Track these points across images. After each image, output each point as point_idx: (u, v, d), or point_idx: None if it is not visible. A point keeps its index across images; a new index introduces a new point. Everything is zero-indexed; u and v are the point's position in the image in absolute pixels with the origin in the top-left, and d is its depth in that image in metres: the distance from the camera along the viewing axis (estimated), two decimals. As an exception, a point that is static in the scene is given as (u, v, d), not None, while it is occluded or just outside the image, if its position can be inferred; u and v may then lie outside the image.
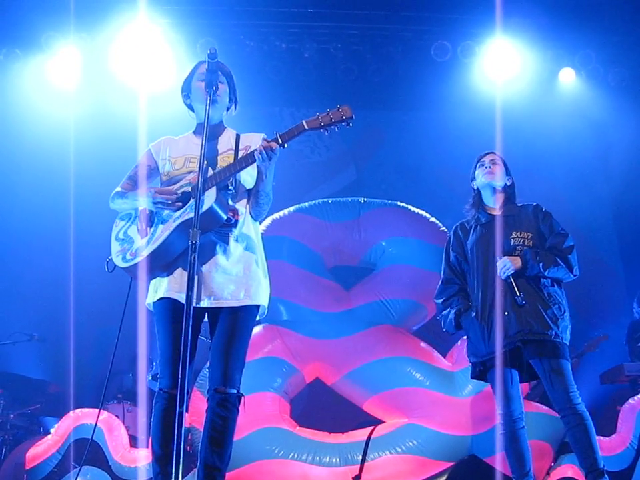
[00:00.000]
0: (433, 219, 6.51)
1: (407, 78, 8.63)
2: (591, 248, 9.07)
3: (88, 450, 4.61)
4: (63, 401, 7.13)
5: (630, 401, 5.69)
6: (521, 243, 4.49)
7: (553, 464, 5.49)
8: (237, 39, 8.17)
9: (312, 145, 9.19)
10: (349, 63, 8.48)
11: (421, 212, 6.56)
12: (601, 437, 5.31)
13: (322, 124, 3.58)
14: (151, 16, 7.72)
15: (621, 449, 5.42)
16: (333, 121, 3.58)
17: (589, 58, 8.53)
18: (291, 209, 6.54)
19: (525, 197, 4.75)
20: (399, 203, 6.63)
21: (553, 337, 4.27)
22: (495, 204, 4.71)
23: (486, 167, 4.69)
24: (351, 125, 3.61)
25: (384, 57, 8.46)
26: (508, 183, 4.75)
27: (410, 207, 6.58)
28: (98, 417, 4.49)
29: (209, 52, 3.66)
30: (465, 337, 4.77)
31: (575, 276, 4.46)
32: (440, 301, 4.74)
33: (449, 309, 4.64)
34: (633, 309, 8.14)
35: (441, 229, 6.42)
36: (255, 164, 3.62)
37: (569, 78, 8.72)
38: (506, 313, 4.35)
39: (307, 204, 6.59)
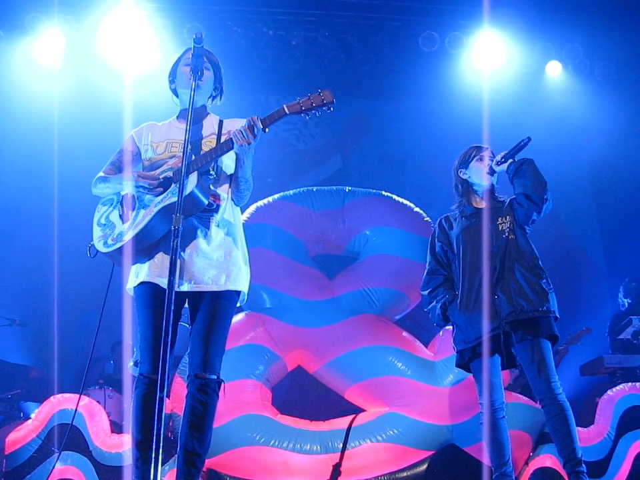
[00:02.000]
0: (417, 209, 6.51)
1: (394, 67, 8.64)
2: (573, 241, 9.16)
3: (68, 435, 4.61)
4: (43, 386, 7.11)
5: (608, 392, 5.73)
6: (507, 227, 4.54)
7: (531, 454, 5.53)
8: (224, 24, 8.14)
9: (297, 132, 9.18)
10: (336, 51, 8.48)
11: (405, 202, 6.56)
12: (580, 428, 5.35)
13: (303, 108, 3.56)
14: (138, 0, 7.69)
15: (598, 440, 5.46)
16: (313, 105, 3.56)
17: (576, 51, 8.57)
18: (276, 196, 6.52)
19: (510, 189, 4.77)
20: (383, 192, 6.63)
21: (545, 310, 4.32)
22: (483, 198, 4.73)
23: (486, 165, 4.69)
24: (332, 109, 3.58)
25: (371, 46, 8.46)
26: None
27: (394, 196, 6.59)
28: (78, 402, 4.48)
29: (194, 37, 3.65)
30: (448, 327, 4.78)
31: (541, 206, 4.48)
32: (426, 292, 4.76)
33: (434, 303, 4.65)
34: (618, 298, 8.21)
35: (425, 219, 6.43)
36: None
37: (555, 71, 8.77)
38: (496, 297, 4.38)
39: (291, 192, 6.58)
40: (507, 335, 4.36)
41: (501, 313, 4.35)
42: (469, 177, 4.75)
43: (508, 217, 4.58)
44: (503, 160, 4.58)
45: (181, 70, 3.90)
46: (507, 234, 4.53)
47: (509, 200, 4.68)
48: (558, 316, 4.40)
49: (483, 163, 4.70)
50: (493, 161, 4.65)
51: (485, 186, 4.70)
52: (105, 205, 3.88)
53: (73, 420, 4.57)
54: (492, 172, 4.65)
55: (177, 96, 4.02)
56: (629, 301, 8.11)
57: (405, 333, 6.22)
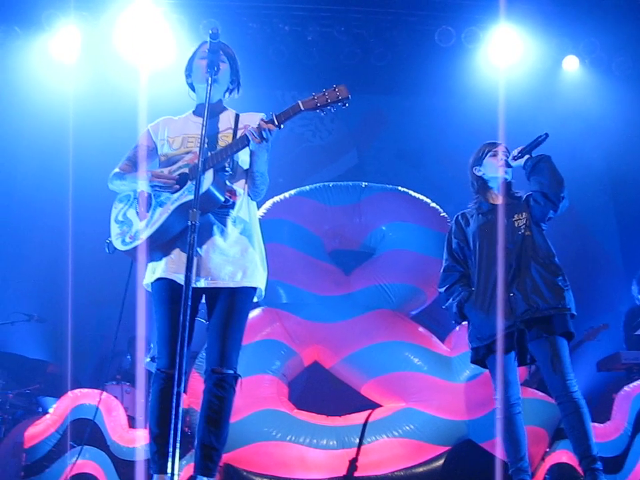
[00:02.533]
0: (433, 205, 6.50)
1: (410, 63, 8.61)
2: (590, 237, 9.11)
3: (90, 430, 4.65)
4: (61, 381, 7.15)
5: (625, 388, 5.71)
6: (523, 224, 4.52)
7: (548, 449, 5.52)
8: (239, 20, 8.14)
9: (313, 128, 9.18)
10: (352, 47, 8.46)
11: (421, 197, 6.55)
12: (596, 424, 5.34)
13: (318, 104, 3.55)
14: (154, -4, 7.71)
15: (615, 436, 5.45)
16: (329, 101, 3.54)
17: (593, 46, 8.52)
18: (292, 192, 6.53)
19: (527, 185, 4.75)
20: (399, 187, 6.62)
21: (560, 308, 4.30)
22: (499, 193, 4.72)
23: (501, 159, 4.68)
24: (347, 105, 3.56)
25: (387, 42, 8.44)
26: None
27: (411, 192, 6.58)
28: (100, 397, 4.51)
29: (210, 32, 3.66)
30: (464, 323, 4.78)
31: (557, 204, 4.47)
32: (443, 289, 4.76)
33: (451, 300, 4.66)
34: (631, 291, 8.15)
35: (441, 214, 6.42)
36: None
37: (572, 66, 8.72)
38: (511, 294, 4.37)
39: (307, 187, 6.58)
40: (521, 332, 4.35)
41: (516, 311, 4.34)
42: (484, 173, 4.74)
43: (524, 213, 4.56)
44: (519, 155, 4.56)
45: (197, 64, 3.90)
46: (522, 230, 4.51)
47: (525, 196, 4.66)
48: (575, 313, 4.38)
49: (496, 158, 4.69)
50: (508, 156, 4.64)
51: (500, 181, 4.69)
52: (122, 202, 3.90)
53: (94, 415, 4.61)
54: (508, 166, 4.63)
55: (194, 90, 4.03)
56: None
57: (421, 329, 6.22)
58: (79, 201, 7.56)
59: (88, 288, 7.67)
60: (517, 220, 4.56)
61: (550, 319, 4.31)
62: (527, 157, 4.54)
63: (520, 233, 4.51)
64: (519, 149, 4.58)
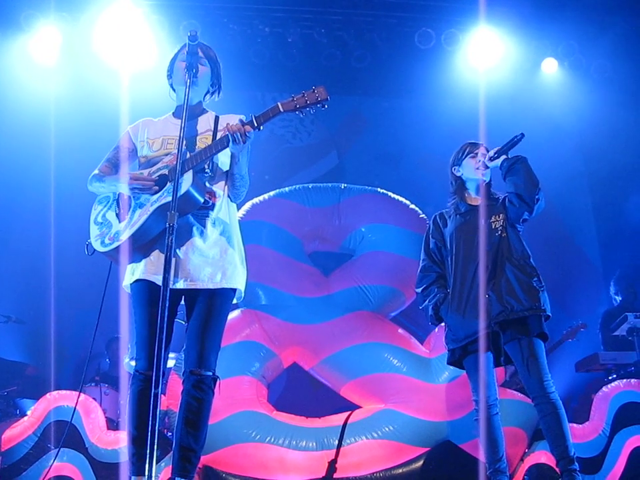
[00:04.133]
0: (412, 206, 6.51)
1: (390, 65, 8.65)
2: (569, 238, 9.18)
3: (67, 432, 4.62)
4: (40, 383, 7.11)
5: (603, 389, 5.74)
6: (500, 225, 4.53)
7: (527, 450, 5.54)
8: (220, 22, 8.15)
9: (294, 130, 9.19)
10: (333, 49, 8.49)
11: (401, 199, 6.56)
12: (574, 424, 5.38)
13: (297, 106, 3.56)
14: (134, -3, 7.69)
15: (593, 436, 5.48)
16: (308, 102, 3.55)
17: (572, 49, 8.60)
18: (271, 193, 6.52)
19: (504, 187, 4.77)
20: (379, 189, 6.63)
21: (535, 309, 4.32)
22: (477, 195, 4.73)
23: (479, 160, 4.68)
24: (326, 106, 3.58)
25: (367, 43, 8.47)
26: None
27: (390, 193, 6.59)
28: (78, 400, 4.49)
29: (189, 34, 3.65)
30: (442, 325, 4.80)
31: (532, 206, 4.47)
32: (419, 289, 4.78)
33: (427, 302, 4.67)
34: (609, 291, 8.23)
35: (421, 216, 6.43)
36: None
37: (551, 68, 8.79)
38: (487, 296, 4.39)
39: (287, 189, 6.58)
40: (496, 334, 4.37)
41: (491, 312, 4.35)
42: (462, 174, 4.76)
43: (501, 214, 4.58)
44: (496, 156, 4.57)
45: (177, 66, 3.90)
46: (499, 232, 4.52)
47: (502, 197, 4.68)
48: (550, 314, 4.40)
49: (475, 159, 4.69)
50: (486, 156, 4.65)
51: (479, 182, 4.70)
52: (101, 204, 3.89)
53: (72, 418, 4.59)
54: (485, 167, 4.64)
55: (175, 91, 4.03)
56: (620, 298, 8.15)
57: (400, 330, 6.23)
58: (60, 202, 7.53)
59: (68, 289, 7.63)
60: (494, 221, 4.57)
61: (525, 320, 4.32)
62: (503, 157, 4.55)
63: (497, 234, 4.52)
64: (495, 149, 4.59)
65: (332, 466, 5.47)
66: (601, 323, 7.98)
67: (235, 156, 3.71)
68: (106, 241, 3.71)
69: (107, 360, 7.54)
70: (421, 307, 4.78)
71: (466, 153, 4.75)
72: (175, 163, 3.49)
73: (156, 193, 3.63)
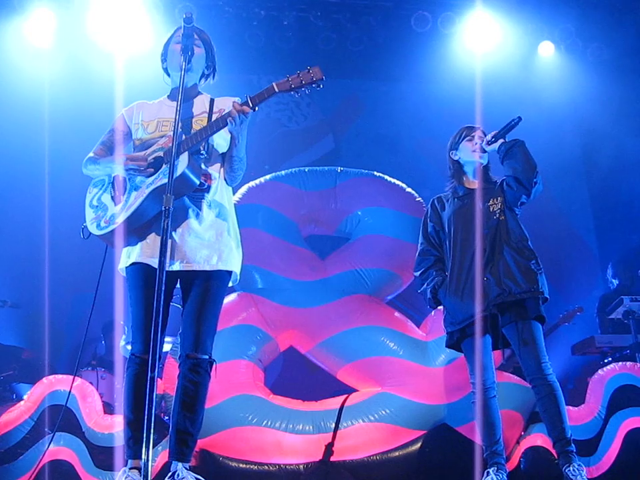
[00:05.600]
0: (409, 190, 6.49)
1: (386, 48, 8.63)
2: (566, 222, 9.19)
3: (62, 416, 4.62)
4: (36, 368, 7.12)
5: (599, 371, 5.75)
6: (498, 208, 4.54)
7: (523, 433, 5.56)
8: (215, 4, 8.11)
9: (290, 113, 9.16)
10: (329, 32, 8.46)
11: (397, 182, 6.54)
12: (570, 407, 5.39)
13: (292, 86, 3.55)
14: (129, -21, 7.64)
15: (588, 419, 5.49)
16: (303, 82, 3.54)
17: (569, 32, 8.58)
18: (267, 177, 6.49)
19: (502, 171, 4.77)
20: (375, 172, 6.61)
21: (533, 292, 4.32)
22: (475, 178, 4.73)
23: (476, 143, 4.68)
24: (321, 86, 3.57)
25: (363, 26, 8.44)
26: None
27: (386, 177, 6.57)
28: (72, 383, 4.48)
29: (184, 17, 3.63)
30: (441, 308, 4.80)
31: (530, 189, 4.46)
32: (418, 273, 4.79)
33: (425, 286, 4.68)
34: (607, 276, 8.25)
35: (417, 199, 6.41)
36: (226, 128, 3.60)
37: (548, 51, 8.79)
38: (485, 279, 4.39)
39: (283, 172, 6.55)
40: (494, 316, 4.37)
41: (489, 295, 4.36)
42: (460, 157, 4.76)
43: (499, 198, 4.58)
44: (493, 140, 4.56)
45: (171, 48, 3.88)
46: (497, 215, 4.53)
47: (500, 181, 4.68)
48: (547, 297, 4.41)
49: (472, 142, 4.69)
50: (483, 140, 4.64)
51: (476, 166, 4.70)
52: (97, 187, 3.87)
53: (67, 402, 4.58)
54: (482, 151, 4.64)
55: (169, 75, 4.01)
56: (617, 282, 8.16)
57: (397, 313, 6.23)
58: (55, 186, 7.52)
59: (64, 273, 7.63)
60: (492, 205, 4.57)
61: (523, 303, 4.33)
62: (500, 141, 4.54)
63: (495, 217, 4.52)
64: (493, 133, 4.58)
65: (329, 449, 5.48)
66: (598, 306, 8.00)
67: (235, 137, 3.69)
68: (102, 224, 3.69)
69: (103, 343, 7.53)
70: (419, 291, 4.78)
71: (462, 136, 4.76)
72: (170, 145, 3.47)
73: (151, 175, 3.61)
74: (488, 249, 4.45)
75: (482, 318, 4.37)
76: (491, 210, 4.56)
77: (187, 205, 3.65)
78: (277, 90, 3.55)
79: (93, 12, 7.83)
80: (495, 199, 4.58)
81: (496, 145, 4.55)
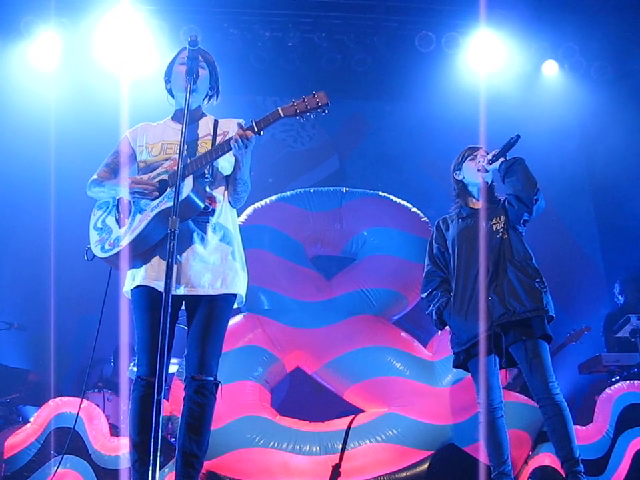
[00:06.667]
0: (414, 210, 6.50)
1: (390, 68, 8.66)
2: (571, 239, 9.18)
3: (70, 439, 4.61)
4: (42, 390, 7.10)
5: (607, 390, 5.73)
6: (501, 227, 4.54)
7: (531, 452, 5.52)
8: (220, 26, 8.16)
9: (295, 134, 9.19)
10: (333, 52, 8.50)
11: (402, 202, 6.54)
12: (578, 426, 5.36)
13: (297, 111, 3.55)
14: (134, 2, 7.68)
15: (597, 438, 5.45)
16: (308, 107, 3.55)
17: (572, 51, 8.60)
18: (273, 198, 6.51)
19: (505, 188, 4.77)
20: (380, 193, 6.61)
21: (537, 310, 4.31)
22: (479, 198, 4.74)
23: (479, 162, 4.69)
24: (326, 111, 3.57)
25: (368, 47, 8.48)
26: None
27: (392, 197, 6.57)
28: (80, 406, 4.47)
29: (189, 39, 3.64)
30: (447, 328, 4.79)
31: (531, 207, 4.46)
32: (424, 295, 4.81)
33: (431, 307, 4.69)
34: (614, 292, 8.21)
35: (423, 219, 6.42)
36: (231, 151, 3.61)
37: (552, 70, 8.81)
38: (489, 298, 4.39)
39: (288, 193, 6.56)
40: (497, 336, 4.36)
41: (493, 314, 4.35)
42: (463, 177, 4.77)
43: (502, 216, 4.59)
44: (494, 159, 4.57)
45: (176, 70, 3.89)
46: (500, 234, 4.53)
47: (503, 199, 4.68)
48: (553, 315, 4.39)
49: (474, 162, 4.71)
50: (485, 159, 4.65)
51: (480, 185, 4.70)
52: (101, 209, 3.87)
53: (75, 424, 4.57)
54: (485, 170, 4.64)
55: (173, 96, 4.02)
56: (623, 299, 8.13)
57: (403, 333, 6.22)
58: (60, 207, 7.53)
59: (70, 295, 7.64)
60: (495, 223, 4.58)
61: (529, 322, 4.32)
62: (501, 159, 4.55)
63: (498, 236, 4.53)
64: (493, 152, 4.59)
65: (336, 470, 5.46)
66: (604, 325, 7.96)
67: (239, 161, 3.70)
68: (106, 246, 3.69)
69: (112, 364, 7.52)
70: (427, 312, 4.78)
71: (465, 156, 4.79)
72: (175, 167, 3.48)
73: (156, 198, 3.62)
74: (492, 268, 4.45)
75: (486, 337, 4.35)
76: (494, 229, 4.56)
77: (192, 228, 3.65)
78: (282, 115, 3.56)
79: (98, 35, 7.88)
80: (498, 218, 4.59)
81: (497, 164, 4.55)
